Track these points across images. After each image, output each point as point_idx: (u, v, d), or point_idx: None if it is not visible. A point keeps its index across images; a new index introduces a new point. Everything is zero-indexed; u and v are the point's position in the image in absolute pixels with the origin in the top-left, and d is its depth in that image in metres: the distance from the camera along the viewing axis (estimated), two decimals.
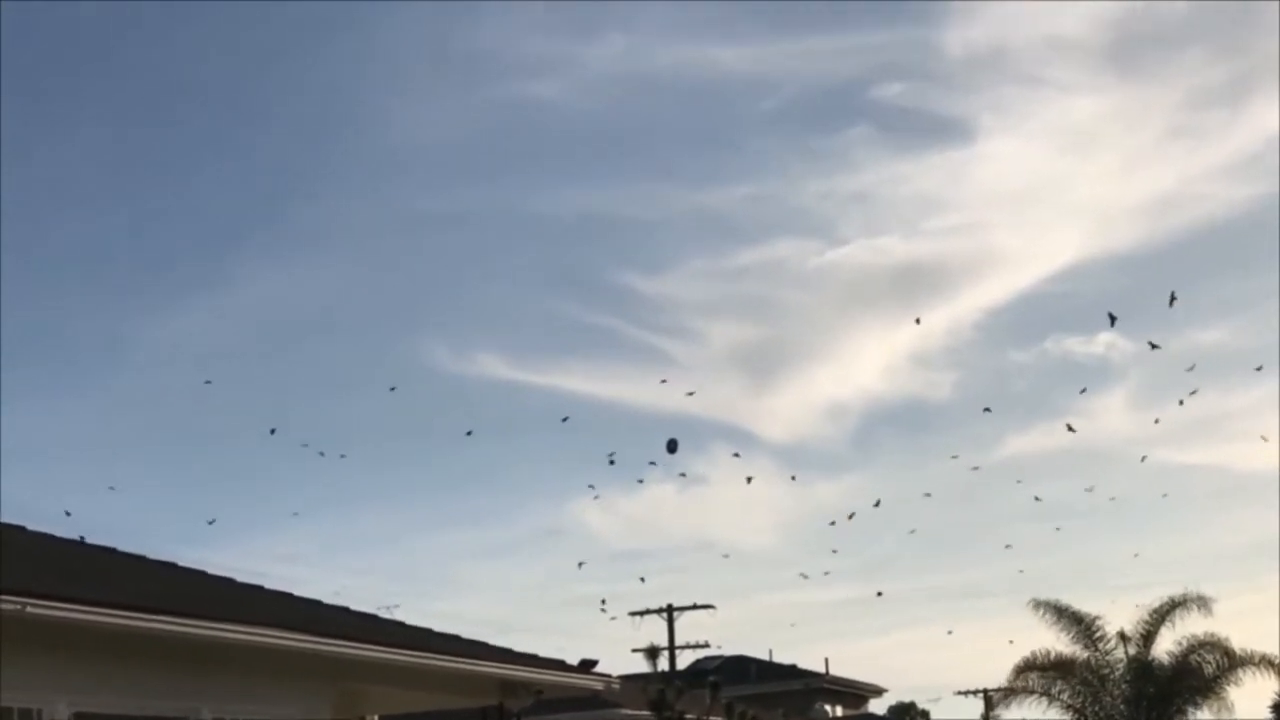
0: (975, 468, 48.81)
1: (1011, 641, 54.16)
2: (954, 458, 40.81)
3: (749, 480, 38.49)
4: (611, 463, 30.84)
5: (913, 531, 57.45)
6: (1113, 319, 32.63)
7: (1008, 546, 59.59)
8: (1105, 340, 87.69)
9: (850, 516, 39.47)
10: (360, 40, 67.47)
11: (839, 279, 79.10)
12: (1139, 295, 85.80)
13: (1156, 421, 62.44)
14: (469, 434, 33.06)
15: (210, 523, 32.18)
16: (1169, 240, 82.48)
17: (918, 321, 30.81)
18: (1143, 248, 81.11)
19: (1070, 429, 34.19)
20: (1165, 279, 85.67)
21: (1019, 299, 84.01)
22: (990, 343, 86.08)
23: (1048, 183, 76.55)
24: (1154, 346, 35.02)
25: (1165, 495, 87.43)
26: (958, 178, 76.60)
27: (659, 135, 76.98)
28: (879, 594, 60.55)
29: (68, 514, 17.97)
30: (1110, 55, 72.59)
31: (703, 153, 77.42)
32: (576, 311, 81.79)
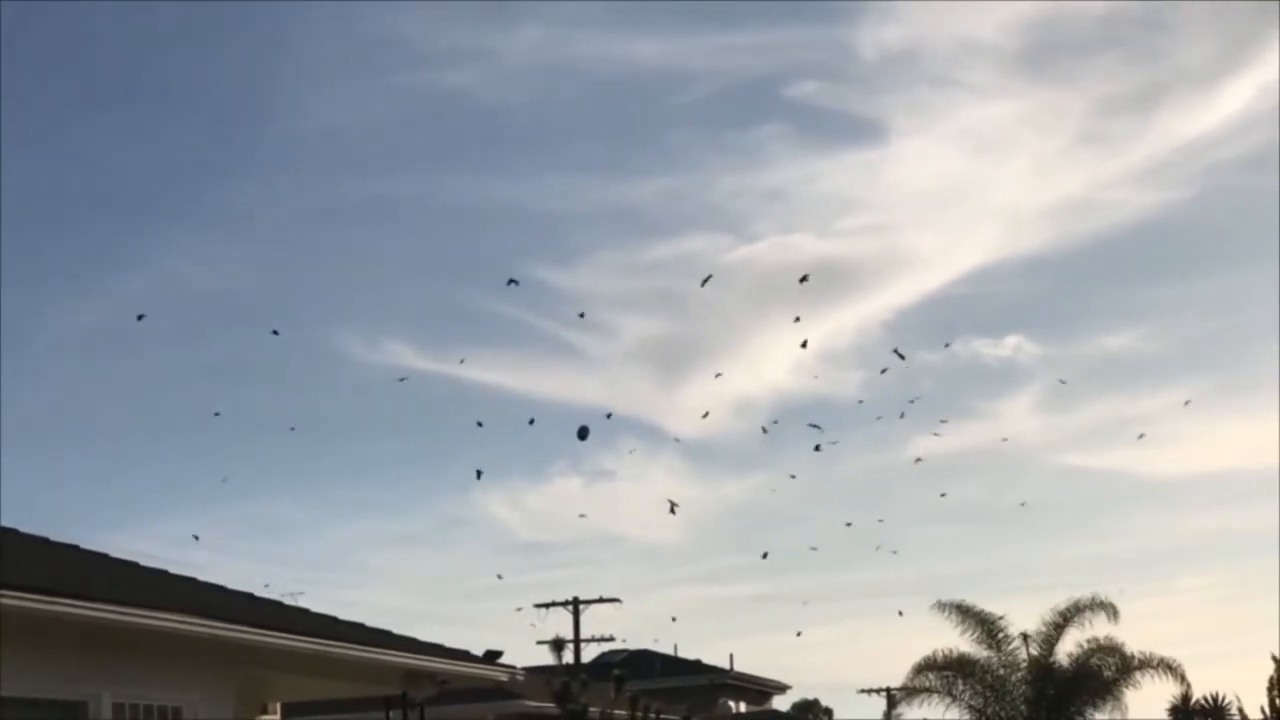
0: (919, 459, 48.58)
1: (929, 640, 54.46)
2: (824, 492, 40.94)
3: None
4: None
5: (849, 524, 57.41)
6: (900, 356, 32.39)
7: (894, 552, 59.95)
8: (1013, 343, 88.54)
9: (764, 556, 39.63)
10: (276, 25, 67.18)
11: (750, 275, 79.37)
12: (1048, 299, 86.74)
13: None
14: (479, 424, 32.18)
15: (224, 480, 31.73)
16: (1078, 245, 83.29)
17: (797, 319, 30.58)
18: (1052, 252, 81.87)
19: (1005, 440, 34.54)
20: (1074, 283, 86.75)
21: (928, 300, 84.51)
22: (899, 343, 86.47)
23: (959, 185, 77.13)
24: (1062, 382, 35.15)
25: (1070, 499, 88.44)
26: (871, 178, 77.05)
27: (573, 127, 77.04)
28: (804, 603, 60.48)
29: None
30: (1023, 59, 73.18)
31: (617, 146, 77.59)
32: (487, 302, 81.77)
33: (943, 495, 56.33)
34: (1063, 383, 33.57)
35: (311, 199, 74.80)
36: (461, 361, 33.91)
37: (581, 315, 57.19)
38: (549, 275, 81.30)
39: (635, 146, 79.55)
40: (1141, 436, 77.25)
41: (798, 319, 32.57)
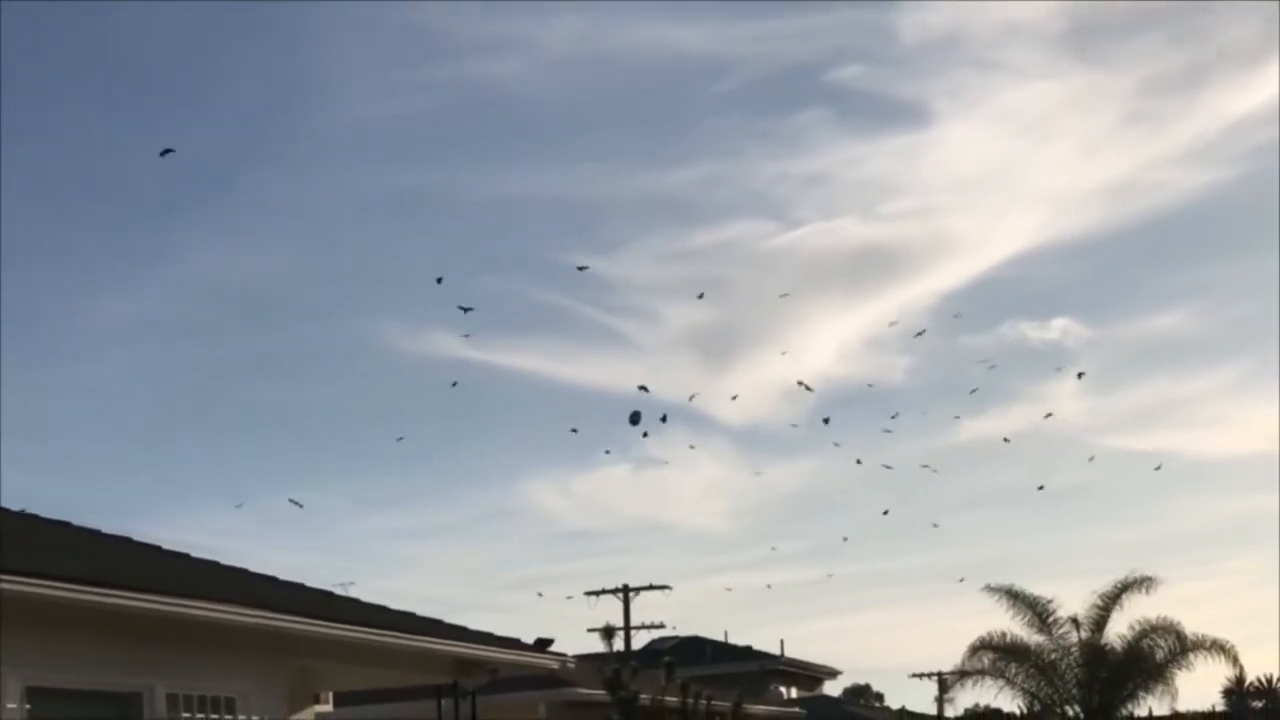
0: (925, 465, 48.93)
1: (970, 623, 54.51)
2: (887, 468, 40.88)
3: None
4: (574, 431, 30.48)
5: (886, 512, 57.46)
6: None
7: (934, 524, 59.88)
8: (1060, 326, 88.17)
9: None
10: (315, 18, 67.38)
11: (794, 261, 79.32)
12: (1094, 281, 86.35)
13: None
14: (454, 384, 32.50)
15: (238, 507, 31.88)
16: (1124, 226, 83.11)
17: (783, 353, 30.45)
18: (1098, 233, 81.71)
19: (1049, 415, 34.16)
20: (1120, 265, 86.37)
21: (974, 284, 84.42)
22: (945, 327, 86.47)
23: (1004, 168, 77.02)
24: (1080, 375, 34.77)
25: (1118, 480, 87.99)
26: (913, 161, 76.98)
27: (614, 116, 77.19)
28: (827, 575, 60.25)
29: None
30: (1067, 40, 72.95)
31: (658, 134, 77.72)
32: (531, 291, 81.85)
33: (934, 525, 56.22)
34: (1080, 376, 33.06)
35: (354, 190, 75.14)
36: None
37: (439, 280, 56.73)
38: (592, 263, 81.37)
39: (676, 134, 79.67)
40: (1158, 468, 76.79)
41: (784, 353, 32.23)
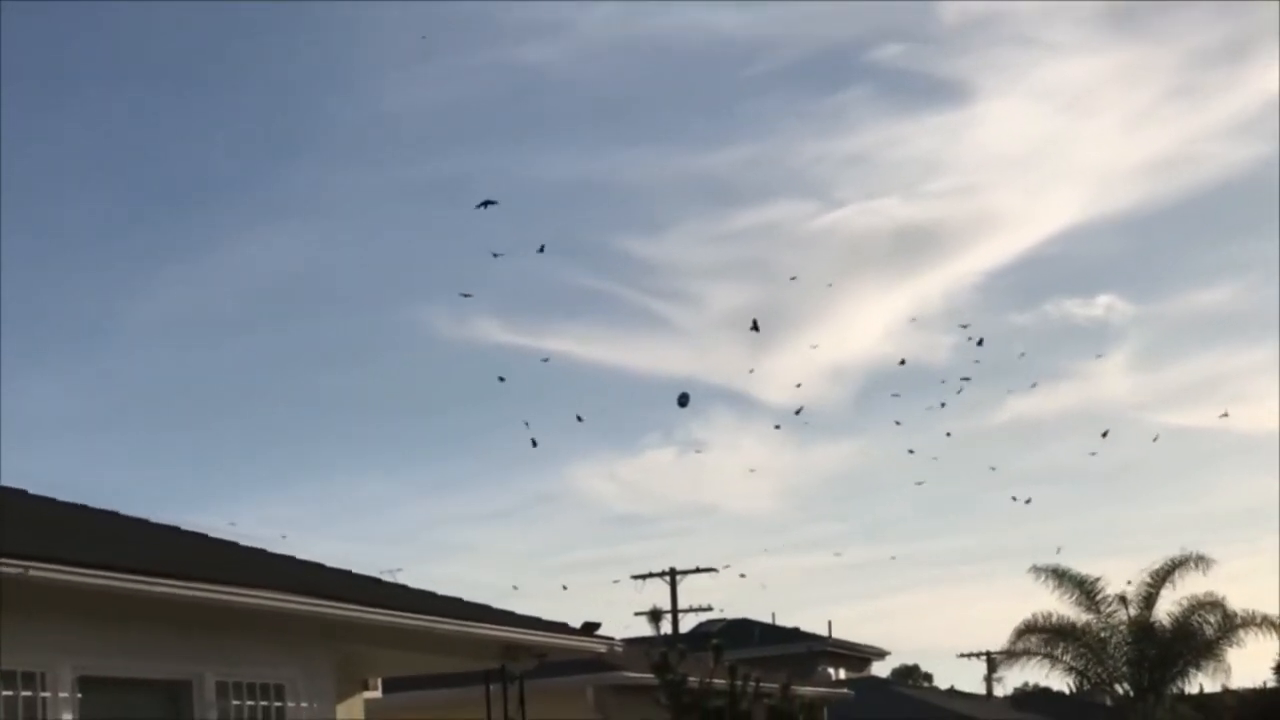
0: (952, 436, 48.53)
1: (1025, 602, 54.49)
2: (947, 435, 40.73)
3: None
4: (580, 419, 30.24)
5: (920, 482, 57.27)
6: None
7: (1016, 498, 59.58)
8: (1105, 302, 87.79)
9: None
10: (355, 5, 67.39)
11: (837, 241, 79.16)
12: (1139, 257, 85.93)
13: None
14: (501, 380, 32.19)
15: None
16: (1169, 201, 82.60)
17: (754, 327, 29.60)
18: (1142, 210, 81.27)
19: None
20: (1165, 240, 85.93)
21: (1018, 261, 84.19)
22: (990, 305, 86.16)
23: (1046, 144, 76.67)
24: (1099, 356, 34.22)
25: (1164, 457, 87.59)
26: (956, 139, 76.70)
27: (655, 98, 77.14)
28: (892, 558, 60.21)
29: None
30: (1108, 14, 72.53)
31: (699, 116, 77.58)
32: (574, 276, 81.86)
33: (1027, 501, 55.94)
34: (1099, 356, 32.68)
35: (394, 178, 75.28)
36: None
37: (541, 249, 56.01)
38: (635, 247, 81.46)
39: (717, 116, 79.54)
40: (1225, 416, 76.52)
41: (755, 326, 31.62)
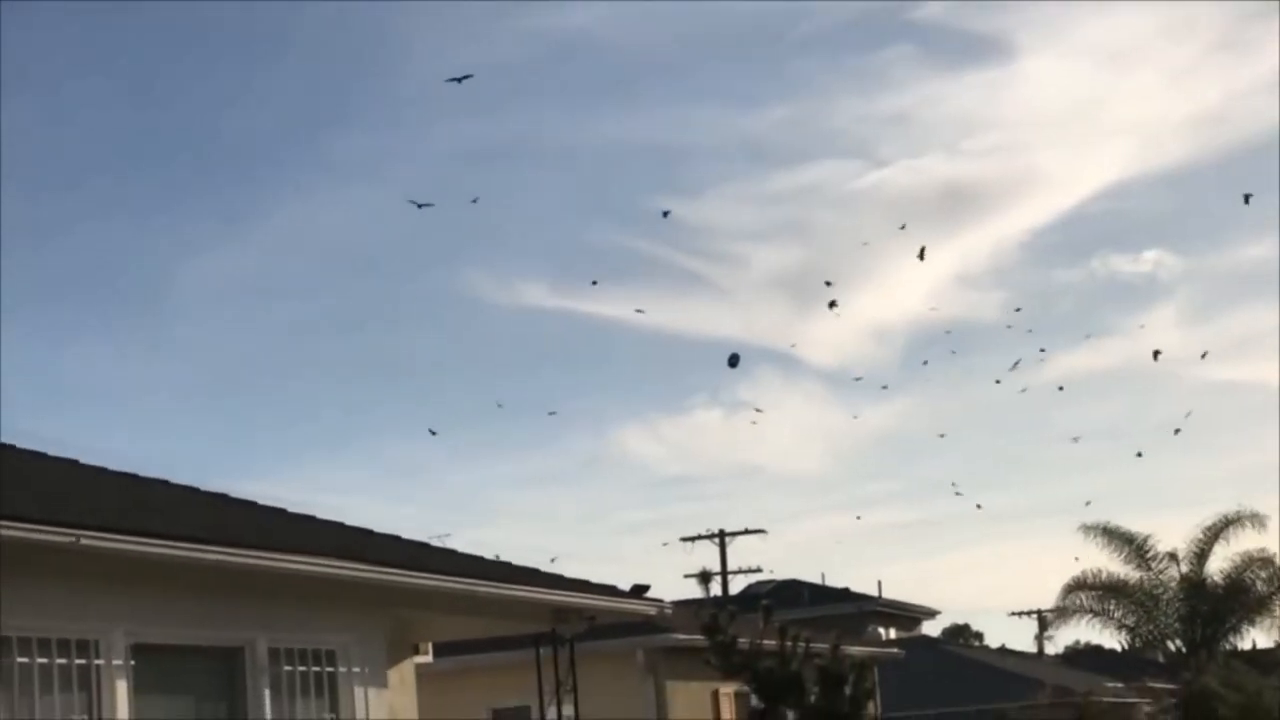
0: (1023, 389, 48.46)
1: (1077, 558, 54.08)
2: (997, 382, 40.56)
3: None
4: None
5: (942, 435, 57.07)
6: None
7: (1076, 439, 59.24)
8: (1152, 258, 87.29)
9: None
10: None
11: (880, 201, 78.86)
12: (1186, 212, 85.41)
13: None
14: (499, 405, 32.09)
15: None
16: (1215, 156, 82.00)
17: (921, 255, 29.47)
18: (1188, 165, 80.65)
19: (1157, 355, 33.31)
20: (1212, 195, 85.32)
21: (1064, 218, 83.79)
22: (1036, 263, 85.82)
23: (1090, 100, 76.15)
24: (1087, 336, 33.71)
25: (1214, 413, 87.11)
26: (998, 96, 76.30)
27: (696, 61, 76.86)
28: (978, 506, 59.81)
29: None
30: None
31: (740, 77, 77.32)
32: (617, 238, 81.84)
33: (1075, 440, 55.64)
34: (1142, 327, 31.97)
35: (439, 143, 75.30)
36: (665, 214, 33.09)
37: (665, 214, 55.43)
38: (677, 208, 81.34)
39: (758, 76, 79.32)
40: None
41: (921, 254, 31.67)
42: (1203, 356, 50.16)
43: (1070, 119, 78.16)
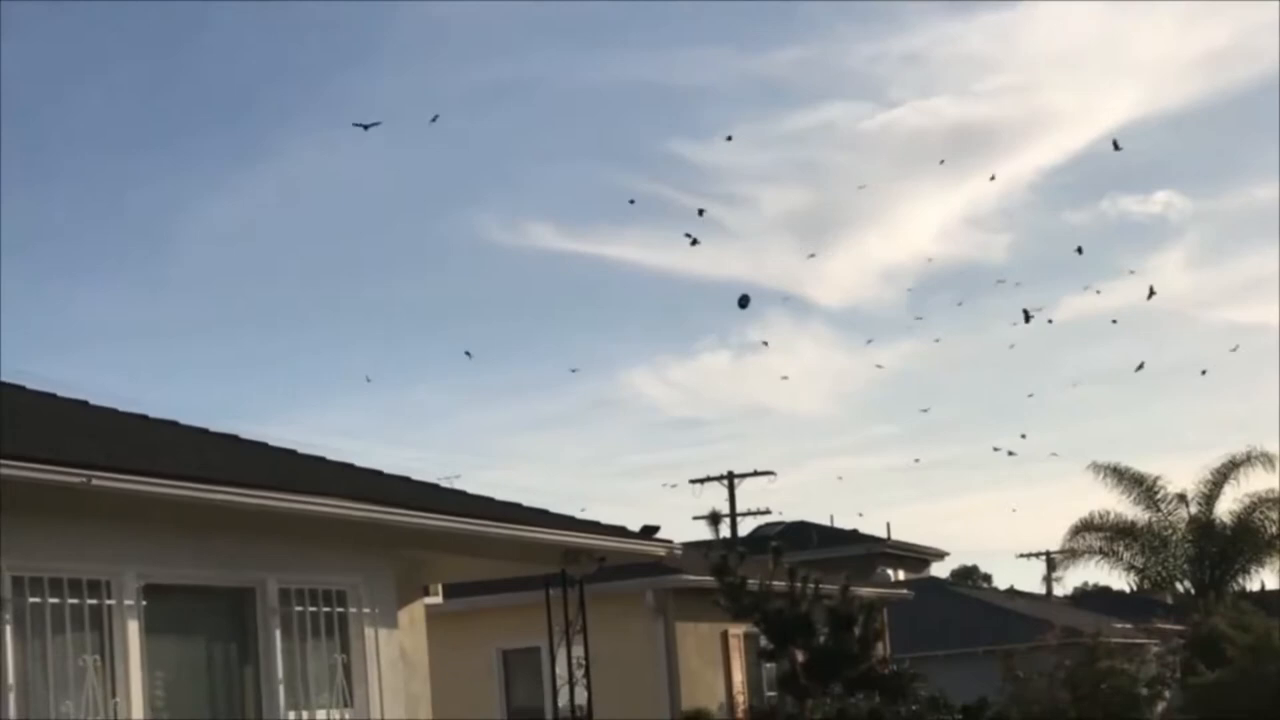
0: (1047, 315, 47.90)
1: (1087, 503, 54.16)
2: (1015, 324, 40.28)
3: None
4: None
5: (954, 372, 56.92)
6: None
7: (1075, 385, 58.82)
8: (1162, 199, 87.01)
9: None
10: None
11: (890, 142, 78.57)
12: (1196, 153, 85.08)
13: None
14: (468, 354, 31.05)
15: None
16: (1226, 96, 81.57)
17: (992, 178, 29.10)
18: (1200, 105, 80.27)
19: (1153, 291, 32.91)
20: (1223, 135, 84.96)
21: (1074, 159, 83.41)
22: (1045, 204, 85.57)
23: (1100, 40, 75.65)
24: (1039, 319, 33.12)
25: (1224, 355, 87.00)
26: (1009, 37, 75.82)
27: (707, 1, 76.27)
28: (1010, 453, 59.59)
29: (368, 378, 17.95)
30: None
31: (751, 17, 76.81)
32: (626, 180, 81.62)
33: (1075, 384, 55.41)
34: (1153, 294, 31.29)
35: (446, 85, 74.96)
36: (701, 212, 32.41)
37: (729, 138, 55.05)
38: (687, 151, 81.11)
39: (769, 16, 78.80)
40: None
41: (993, 177, 31.26)
42: (1210, 304, 49.68)
43: (1081, 59, 77.82)
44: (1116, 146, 33.62)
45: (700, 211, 33.98)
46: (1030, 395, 78.73)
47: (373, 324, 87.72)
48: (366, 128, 23.72)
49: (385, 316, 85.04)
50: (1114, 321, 52.62)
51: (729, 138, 50.50)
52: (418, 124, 73.93)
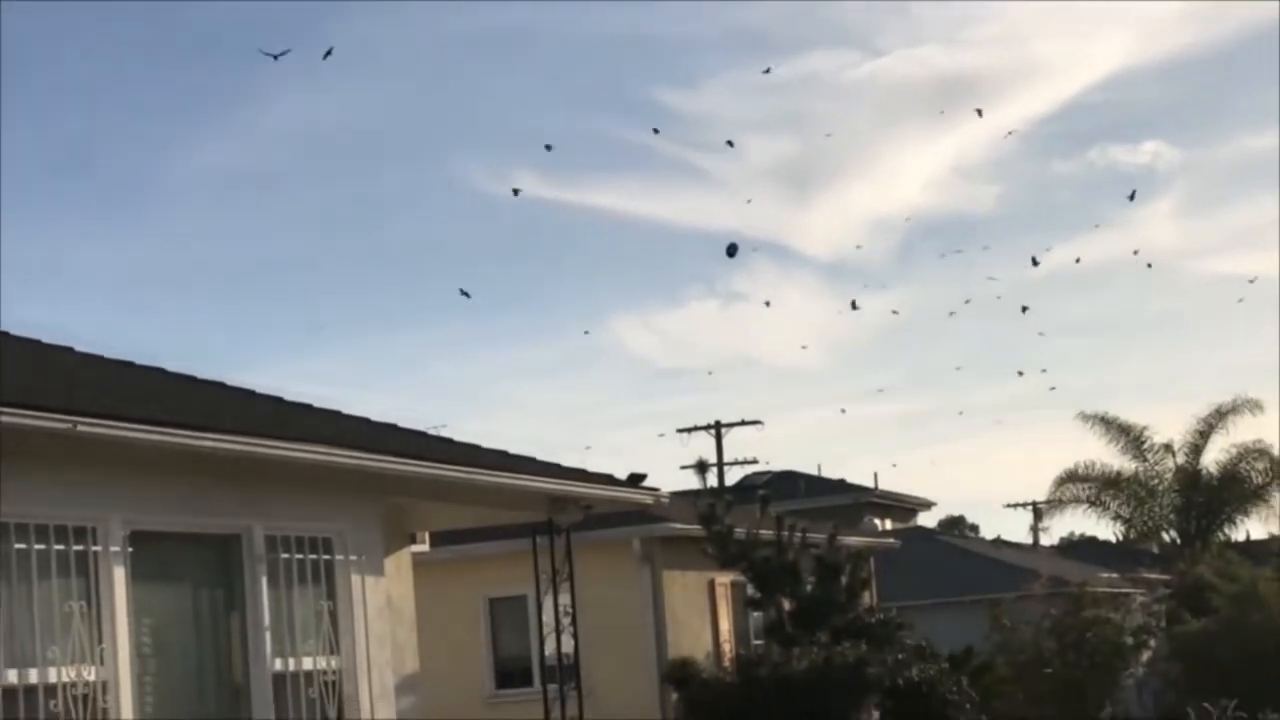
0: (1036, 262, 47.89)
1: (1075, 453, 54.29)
2: (991, 278, 40.16)
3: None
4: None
5: (953, 313, 56.61)
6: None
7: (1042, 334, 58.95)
8: (1151, 149, 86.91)
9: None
10: None
11: (878, 91, 78.38)
12: (1185, 102, 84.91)
13: None
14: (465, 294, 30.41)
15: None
16: (1215, 46, 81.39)
17: (979, 113, 28.71)
18: (1189, 54, 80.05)
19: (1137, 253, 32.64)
20: (1212, 85, 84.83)
21: (1062, 109, 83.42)
22: (1033, 154, 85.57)
23: None
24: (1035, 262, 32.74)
25: (1213, 305, 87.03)
26: None
27: None
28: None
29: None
30: None
31: None
32: (612, 129, 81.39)
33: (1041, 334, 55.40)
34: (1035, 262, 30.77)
35: (436, 31, 74.65)
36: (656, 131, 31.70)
37: (730, 144, 54.81)
38: (674, 100, 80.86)
39: None
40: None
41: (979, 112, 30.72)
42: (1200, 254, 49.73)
43: (1069, 8, 77.53)
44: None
45: (655, 130, 33.71)
46: (1016, 345, 78.65)
47: (359, 272, 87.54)
48: (276, 57, 23.19)
49: (373, 264, 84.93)
50: (1077, 260, 52.15)
51: (729, 143, 50.42)
52: (405, 69, 73.55)
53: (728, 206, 74.76)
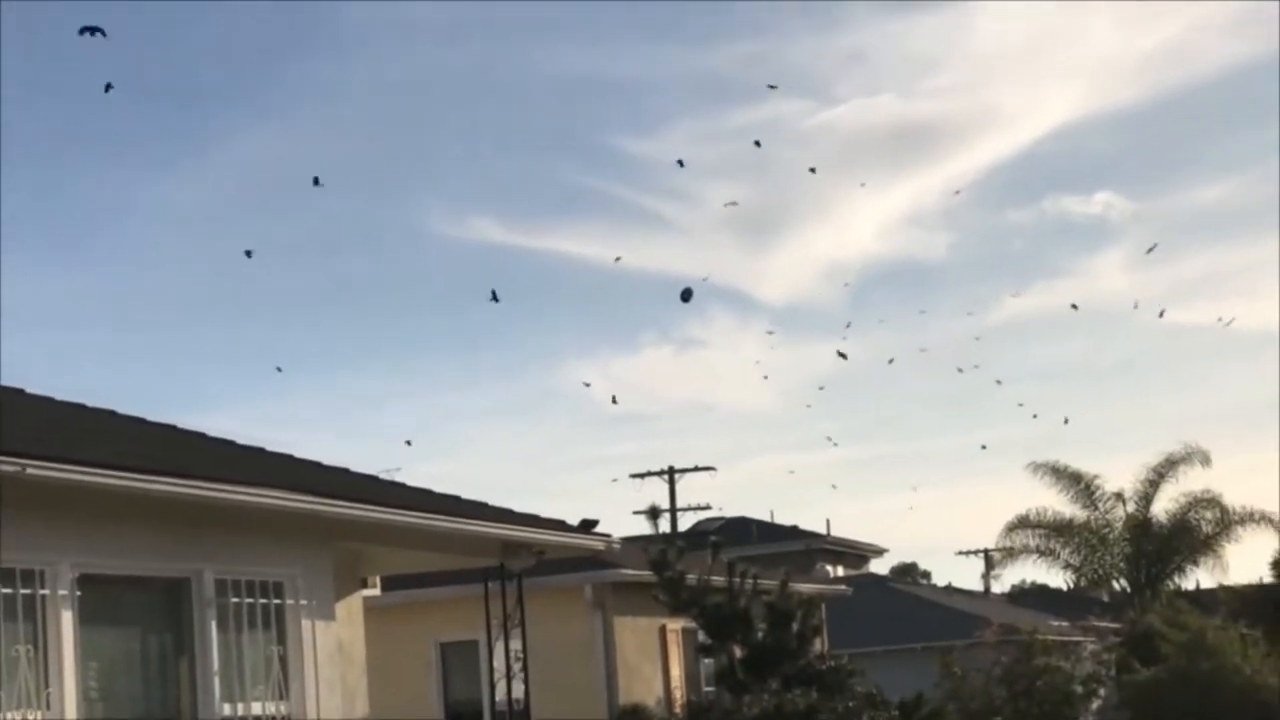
0: (976, 338, 48.66)
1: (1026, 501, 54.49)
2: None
3: None
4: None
5: (891, 360, 56.78)
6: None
7: (1019, 405, 59.62)
8: (1103, 200, 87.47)
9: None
10: None
11: (834, 139, 78.75)
12: (1138, 153, 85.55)
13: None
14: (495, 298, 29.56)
15: (278, 369, 30.40)
16: (1169, 97, 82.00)
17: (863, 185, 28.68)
18: (1142, 105, 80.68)
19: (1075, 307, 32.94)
20: (1164, 136, 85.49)
21: (1016, 158, 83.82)
22: (987, 203, 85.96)
23: (1044, 39, 76.00)
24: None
25: (1164, 355, 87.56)
26: (954, 36, 76.04)
27: None
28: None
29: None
30: None
31: (695, 11, 76.72)
32: (571, 174, 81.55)
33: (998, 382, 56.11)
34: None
35: (393, 73, 74.66)
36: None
37: (680, 163, 55.45)
38: (631, 145, 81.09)
39: (713, 11, 78.69)
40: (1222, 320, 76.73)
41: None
42: (1160, 315, 50.14)
43: (1024, 58, 78.16)
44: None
45: (679, 162, 32.81)
46: (968, 394, 78.97)
47: (313, 313, 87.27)
48: (92, 33, 22.53)
49: (327, 306, 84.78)
50: (1073, 306, 52.82)
51: (680, 162, 51.17)
52: (365, 110, 73.48)
53: (684, 252, 74.84)
